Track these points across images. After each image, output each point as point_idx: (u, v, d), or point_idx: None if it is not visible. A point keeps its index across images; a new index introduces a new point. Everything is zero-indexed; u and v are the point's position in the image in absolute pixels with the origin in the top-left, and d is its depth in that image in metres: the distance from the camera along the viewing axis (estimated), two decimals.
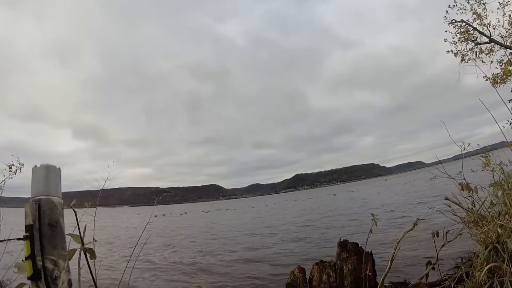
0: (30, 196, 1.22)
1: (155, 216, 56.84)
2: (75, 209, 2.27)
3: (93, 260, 2.04)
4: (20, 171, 3.82)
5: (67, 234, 1.89)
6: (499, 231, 3.50)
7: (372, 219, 4.42)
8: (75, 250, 1.89)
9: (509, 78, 9.41)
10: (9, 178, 3.73)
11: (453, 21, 10.41)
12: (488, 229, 3.71)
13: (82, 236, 1.99)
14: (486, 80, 9.70)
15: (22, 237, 1.18)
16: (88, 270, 2.10)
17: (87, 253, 1.99)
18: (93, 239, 2.09)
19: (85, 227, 2.19)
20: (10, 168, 3.70)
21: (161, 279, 9.52)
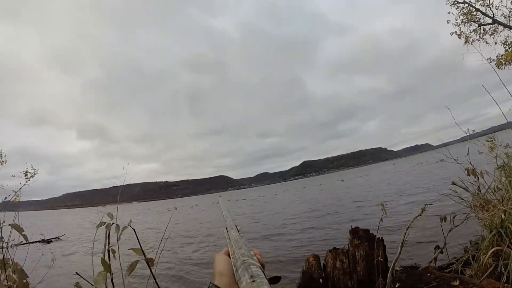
0: (43, 199, 1.33)
1: (169, 210, 57.50)
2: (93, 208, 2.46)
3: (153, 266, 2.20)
4: (33, 176, 3.85)
5: (129, 249, 2.10)
6: (503, 216, 3.66)
7: (382, 209, 4.57)
8: (137, 261, 2.12)
9: None
10: (26, 185, 3.76)
11: (456, 2, 10.29)
12: (493, 213, 3.87)
13: (140, 245, 2.16)
14: (491, 62, 9.64)
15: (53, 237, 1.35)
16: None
17: (148, 262, 2.17)
18: (140, 246, 2.23)
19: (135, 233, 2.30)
20: (26, 175, 3.79)
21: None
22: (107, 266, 2.12)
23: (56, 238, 23.50)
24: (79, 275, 2.52)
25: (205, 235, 17.14)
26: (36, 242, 19.47)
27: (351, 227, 5.21)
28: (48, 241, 21.79)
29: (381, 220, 4.79)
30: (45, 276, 4.73)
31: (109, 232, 2.30)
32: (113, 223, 2.31)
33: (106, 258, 2.21)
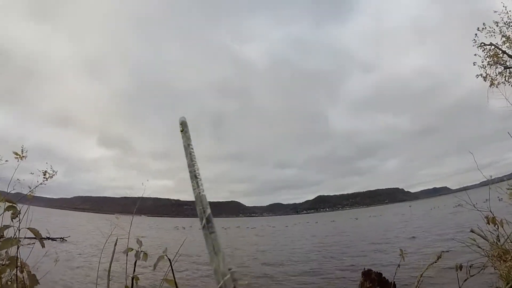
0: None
1: (177, 228, 57.46)
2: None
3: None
4: (52, 177, 3.89)
5: (162, 279, 1.97)
6: None
7: (401, 254, 4.42)
8: None
9: None
10: (43, 184, 3.79)
11: (482, 44, 10.25)
12: (511, 264, 3.71)
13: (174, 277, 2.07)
14: None
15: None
16: None
17: None
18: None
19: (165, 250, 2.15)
20: (44, 175, 3.84)
21: None
22: None
23: (61, 238, 23.37)
24: None
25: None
26: (43, 239, 19.41)
27: (364, 269, 5.06)
28: (52, 240, 21.46)
29: (399, 265, 4.63)
30: (44, 277, 4.70)
31: (133, 258, 2.16)
32: (142, 252, 2.21)
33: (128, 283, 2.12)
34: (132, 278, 2.21)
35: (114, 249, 2.51)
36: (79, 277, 10.98)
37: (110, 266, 2.38)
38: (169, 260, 2.14)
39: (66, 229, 31.34)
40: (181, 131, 1.00)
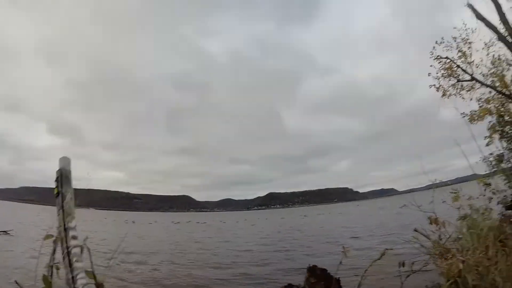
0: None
1: (126, 222, 56.20)
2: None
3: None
4: None
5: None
6: (461, 266, 3.62)
7: (343, 251, 4.45)
8: None
9: (485, 116, 9.68)
10: None
11: (439, 57, 10.65)
12: (452, 262, 3.83)
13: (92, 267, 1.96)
14: (464, 116, 9.94)
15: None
16: None
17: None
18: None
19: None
20: None
21: None
22: (48, 285, 1.90)
23: (3, 232, 22.18)
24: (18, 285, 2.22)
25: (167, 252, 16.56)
26: None
27: (309, 265, 5.07)
28: None
29: (341, 262, 4.67)
30: None
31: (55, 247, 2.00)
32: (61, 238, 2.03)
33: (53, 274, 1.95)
34: (51, 267, 1.98)
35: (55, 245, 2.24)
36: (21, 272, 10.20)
37: (51, 260, 2.10)
38: (88, 249, 2.00)
39: (10, 222, 29.49)
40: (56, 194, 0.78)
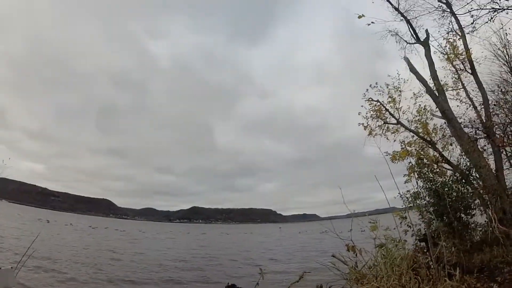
0: None
1: (40, 220, 51.74)
2: None
3: None
4: None
5: None
6: None
7: (260, 273, 4.49)
8: None
9: (406, 157, 10.57)
10: None
11: (370, 99, 11.43)
12: (367, 287, 4.04)
13: None
14: (387, 155, 10.72)
15: None
16: None
17: None
18: None
19: None
20: None
21: None
22: None
23: None
24: None
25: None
26: None
27: (227, 283, 5.04)
28: None
29: (258, 284, 4.69)
30: None
31: None
32: None
33: None
34: None
35: None
36: None
37: None
38: None
39: None
40: None
